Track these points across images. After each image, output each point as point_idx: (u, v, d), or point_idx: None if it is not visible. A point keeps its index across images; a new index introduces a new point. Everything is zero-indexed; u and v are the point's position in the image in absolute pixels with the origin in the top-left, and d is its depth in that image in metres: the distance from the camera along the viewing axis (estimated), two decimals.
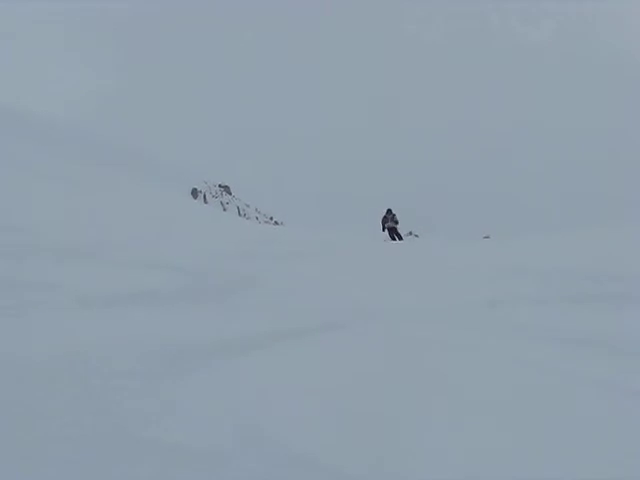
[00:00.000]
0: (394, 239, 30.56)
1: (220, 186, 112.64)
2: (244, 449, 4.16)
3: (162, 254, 12.03)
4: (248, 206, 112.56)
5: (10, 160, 21.79)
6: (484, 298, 10.18)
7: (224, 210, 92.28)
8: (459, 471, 3.91)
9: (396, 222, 31.47)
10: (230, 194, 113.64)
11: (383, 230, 31.66)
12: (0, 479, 3.60)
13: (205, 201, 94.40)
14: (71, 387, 5.09)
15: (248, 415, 4.69)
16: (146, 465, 3.89)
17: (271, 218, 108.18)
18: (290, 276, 12.24)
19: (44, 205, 14.52)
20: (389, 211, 31.55)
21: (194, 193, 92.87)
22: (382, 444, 4.31)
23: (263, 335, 7.22)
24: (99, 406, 4.72)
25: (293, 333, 7.41)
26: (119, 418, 4.51)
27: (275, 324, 7.92)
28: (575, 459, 4.06)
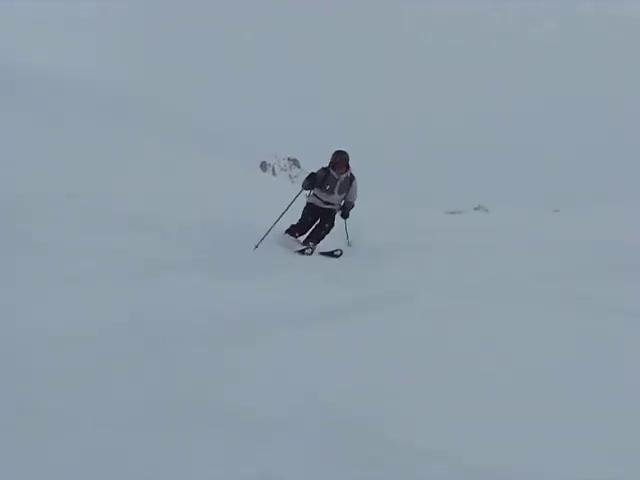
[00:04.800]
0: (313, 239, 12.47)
1: (289, 159, 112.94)
2: (301, 415, 4.21)
3: (225, 225, 12.17)
4: None
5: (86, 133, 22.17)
6: (552, 271, 10.07)
7: (292, 183, 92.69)
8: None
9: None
10: (299, 167, 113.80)
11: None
12: (75, 440, 3.71)
13: (274, 174, 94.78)
14: (137, 352, 5.19)
15: (307, 383, 4.73)
16: (208, 429, 3.96)
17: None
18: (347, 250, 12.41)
19: (121, 176, 14.75)
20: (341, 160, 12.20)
21: (263, 166, 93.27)
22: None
23: (324, 308, 7.28)
24: (165, 372, 4.81)
25: (348, 307, 7.45)
26: (184, 383, 4.60)
27: (334, 298, 7.95)
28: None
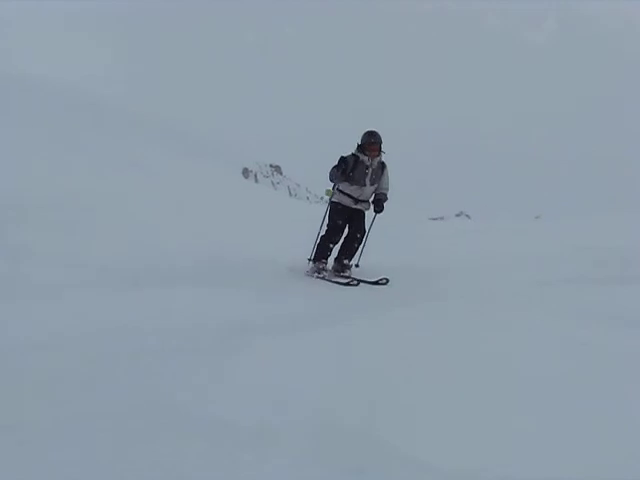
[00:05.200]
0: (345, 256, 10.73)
1: (271, 166, 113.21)
2: (287, 425, 4.20)
3: (207, 235, 12.17)
4: (299, 186, 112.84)
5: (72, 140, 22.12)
6: (535, 278, 10.09)
7: (275, 190, 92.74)
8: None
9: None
10: (281, 174, 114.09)
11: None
12: (49, 450, 3.67)
13: (256, 180, 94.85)
14: (120, 361, 5.18)
15: (292, 390, 4.72)
16: (192, 439, 3.94)
17: (322, 198, 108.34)
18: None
19: (106, 184, 14.76)
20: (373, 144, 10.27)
21: (245, 173, 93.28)
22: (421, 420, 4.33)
23: (306, 317, 7.28)
24: (148, 380, 4.79)
25: (336, 316, 7.45)
26: (167, 393, 4.57)
27: (319, 307, 7.98)
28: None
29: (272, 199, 27.68)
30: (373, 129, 10.23)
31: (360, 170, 10.09)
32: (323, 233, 10.56)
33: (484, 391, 4.83)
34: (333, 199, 10.35)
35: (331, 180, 10.13)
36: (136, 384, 4.70)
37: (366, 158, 10.08)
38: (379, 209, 10.33)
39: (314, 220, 11.16)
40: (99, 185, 14.44)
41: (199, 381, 4.82)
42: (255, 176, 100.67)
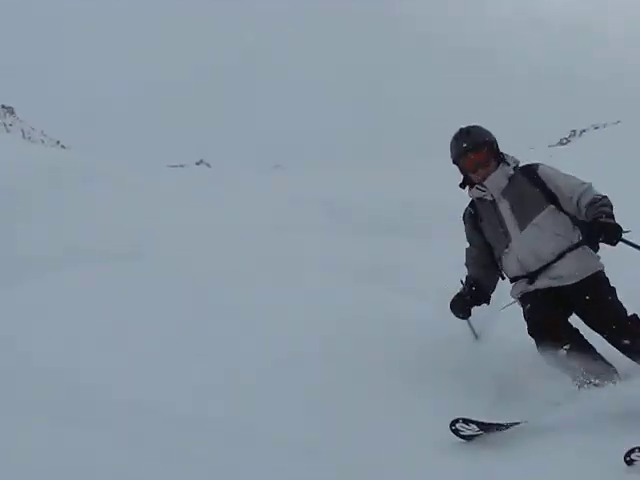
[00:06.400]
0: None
1: (3, 107, 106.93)
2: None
3: None
4: (34, 129, 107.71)
5: None
6: (272, 224, 10.51)
7: (7, 132, 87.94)
8: None
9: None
10: (14, 115, 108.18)
11: None
12: None
13: None
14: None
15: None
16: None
17: (58, 142, 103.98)
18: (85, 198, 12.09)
19: None
20: None
21: None
22: None
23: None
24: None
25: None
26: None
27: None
28: None
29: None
30: (464, 127, 5.18)
31: (488, 219, 5.16)
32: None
33: None
34: (514, 293, 5.19)
35: (466, 284, 5.30)
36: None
37: (482, 192, 5.08)
38: (596, 237, 4.73)
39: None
40: None
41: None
42: None
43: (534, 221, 4.93)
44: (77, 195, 12.37)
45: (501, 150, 5.14)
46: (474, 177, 5.06)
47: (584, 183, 4.93)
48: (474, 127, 5.15)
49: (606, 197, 4.82)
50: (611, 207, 4.77)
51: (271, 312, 5.74)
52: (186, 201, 12.77)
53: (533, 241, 4.92)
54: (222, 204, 12.51)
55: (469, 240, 5.32)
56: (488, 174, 4.99)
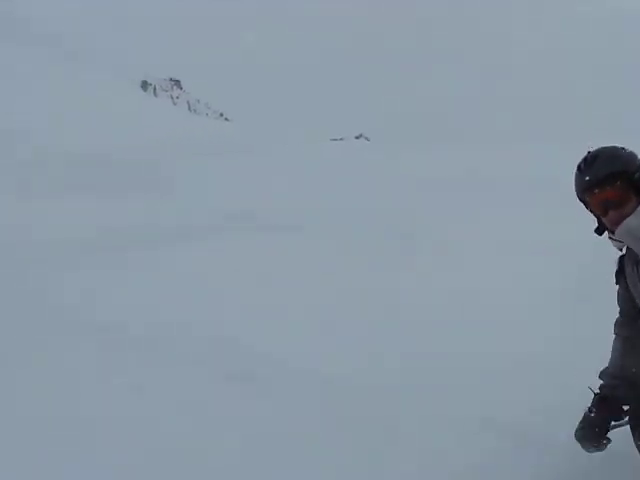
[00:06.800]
0: None
1: (171, 80, 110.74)
2: (171, 334, 4.45)
3: (105, 146, 11.92)
4: (198, 101, 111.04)
5: None
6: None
7: (174, 105, 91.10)
8: None
9: None
10: (181, 88, 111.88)
11: None
12: None
13: (155, 94, 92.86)
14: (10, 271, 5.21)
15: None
16: (79, 344, 4.04)
17: (221, 114, 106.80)
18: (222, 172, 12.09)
19: None
20: None
21: (144, 86, 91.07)
22: None
23: (197, 227, 7.37)
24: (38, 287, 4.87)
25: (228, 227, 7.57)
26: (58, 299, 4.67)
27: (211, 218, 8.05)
28: None
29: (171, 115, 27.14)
30: (594, 151, 3.08)
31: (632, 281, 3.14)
32: None
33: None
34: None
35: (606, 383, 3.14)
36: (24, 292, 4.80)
37: (618, 244, 3.14)
38: None
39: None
40: None
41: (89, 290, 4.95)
42: (154, 89, 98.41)
43: None
44: (235, 166, 12.48)
45: None
46: (605, 222, 3.06)
47: None
48: (605, 151, 3.07)
49: None
50: None
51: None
52: (349, 176, 12.51)
53: None
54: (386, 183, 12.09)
55: (620, 308, 3.28)
56: (623, 218, 2.96)
